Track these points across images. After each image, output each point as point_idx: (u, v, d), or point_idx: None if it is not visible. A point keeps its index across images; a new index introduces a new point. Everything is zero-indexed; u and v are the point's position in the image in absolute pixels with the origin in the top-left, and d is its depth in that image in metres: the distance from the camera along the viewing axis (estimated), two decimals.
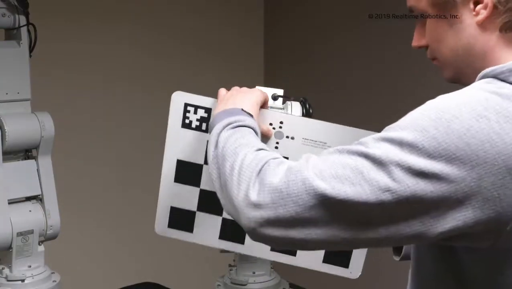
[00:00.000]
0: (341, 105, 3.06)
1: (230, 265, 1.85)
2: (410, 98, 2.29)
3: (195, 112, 1.42)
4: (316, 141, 1.42)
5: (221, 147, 1.08)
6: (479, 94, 0.94)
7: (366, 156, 0.92)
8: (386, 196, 0.89)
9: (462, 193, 0.89)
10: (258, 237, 0.96)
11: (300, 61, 3.42)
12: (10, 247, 1.81)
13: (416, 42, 1.13)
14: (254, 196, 0.95)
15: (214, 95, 1.43)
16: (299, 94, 1.56)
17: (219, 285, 1.83)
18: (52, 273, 1.89)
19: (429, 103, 0.95)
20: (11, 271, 1.83)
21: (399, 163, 0.90)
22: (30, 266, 1.85)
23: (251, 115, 1.21)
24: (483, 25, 1.01)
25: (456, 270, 1.01)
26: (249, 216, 0.95)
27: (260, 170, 0.98)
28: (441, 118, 0.91)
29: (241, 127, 1.13)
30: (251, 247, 1.54)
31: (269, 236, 0.95)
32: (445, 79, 1.12)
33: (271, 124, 1.41)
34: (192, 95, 1.42)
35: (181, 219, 1.51)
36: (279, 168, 0.97)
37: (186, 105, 1.42)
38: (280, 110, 1.45)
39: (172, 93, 1.43)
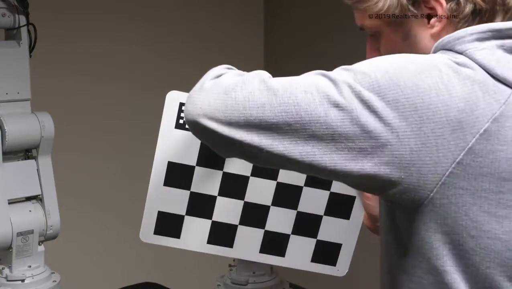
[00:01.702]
0: None
1: (230, 265, 1.85)
2: None
3: None
4: None
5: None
6: (438, 55, 0.98)
7: (324, 75, 0.96)
8: (333, 111, 0.91)
9: (401, 135, 0.91)
10: (199, 128, 0.96)
11: (300, 61, 3.42)
12: (10, 247, 1.81)
13: (370, 53, 1.14)
14: (207, 85, 0.97)
15: None
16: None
17: (219, 285, 1.83)
18: (52, 273, 1.89)
19: (394, 54, 0.98)
20: (11, 271, 1.83)
21: (351, 86, 0.93)
22: (30, 266, 1.84)
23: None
24: (437, 35, 1.03)
25: (389, 214, 1.03)
26: (195, 102, 0.96)
27: (222, 74, 1.01)
28: (397, 61, 0.95)
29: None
30: (240, 251, 1.54)
31: (207, 128, 0.94)
32: None
33: None
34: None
35: (168, 224, 1.50)
36: (239, 73, 1.01)
37: (181, 104, 1.41)
38: None
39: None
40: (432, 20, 1.03)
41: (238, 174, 1.47)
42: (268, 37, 3.66)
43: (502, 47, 0.97)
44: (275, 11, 3.61)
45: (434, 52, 1.02)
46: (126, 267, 3.19)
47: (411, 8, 1.03)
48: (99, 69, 3.10)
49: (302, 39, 3.44)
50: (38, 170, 1.88)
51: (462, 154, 0.92)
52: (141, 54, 3.21)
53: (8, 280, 1.81)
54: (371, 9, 1.06)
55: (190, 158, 1.45)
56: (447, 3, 1.01)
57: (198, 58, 3.39)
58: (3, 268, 1.84)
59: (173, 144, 1.44)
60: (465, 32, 0.99)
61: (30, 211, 1.85)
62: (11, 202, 1.83)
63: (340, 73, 0.96)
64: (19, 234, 1.81)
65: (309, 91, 0.93)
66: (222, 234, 1.52)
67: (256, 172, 1.48)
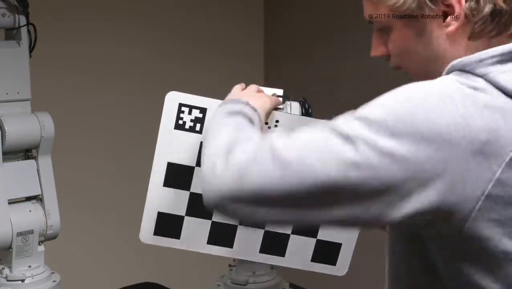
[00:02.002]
0: (341, 105, 3.05)
1: (230, 265, 1.85)
2: None
3: (190, 113, 1.41)
4: None
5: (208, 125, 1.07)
6: (448, 81, 0.94)
7: (335, 131, 0.91)
8: (353, 172, 0.88)
9: (427, 175, 0.88)
10: (223, 211, 0.94)
11: (300, 61, 3.42)
12: (10, 247, 1.81)
13: (376, 51, 1.11)
14: (219, 170, 0.93)
15: (214, 95, 1.43)
16: (298, 94, 1.56)
17: (219, 285, 1.83)
18: (52, 273, 1.89)
19: (399, 88, 0.94)
20: (11, 271, 1.83)
21: (367, 140, 0.89)
22: (30, 266, 1.85)
23: (255, 110, 1.18)
24: (452, 35, 1.00)
25: (422, 254, 1.00)
26: (213, 189, 0.93)
27: (232, 146, 0.96)
28: (410, 99, 0.91)
29: (239, 115, 1.11)
30: (240, 251, 1.54)
31: (231, 211, 0.93)
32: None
33: (266, 123, 1.41)
34: (187, 95, 1.41)
35: (168, 225, 1.50)
36: (249, 144, 0.96)
37: (180, 105, 1.41)
38: (279, 110, 1.45)
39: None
40: (449, 19, 0.99)
41: None
42: (268, 37, 3.66)
43: None
44: (275, 11, 3.61)
45: (450, 71, 0.98)
46: (126, 267, 3.19)
47: (429, 4, 0.98)
48: (99, 69, 3.10)
49: (302, 39, 3.43)
50: (38, 170, 1.88)
51: (490, 186, 0.90)
52: (141, 54, 3.21)
53: (8, 280, 1.81)
54: (386, 1, 1.01)
55: (189, 158, 1.45)
56: (466, 2, 0.97)
57: (198, 58, 3.39)
58: (3, 268, 1.84)
59: (172, 145, 1.44)
60: (486, 54, 0.95)
61: (30, 211, 1.85)
62: (11, 202, 1.83)
63: (352, 125, 0.91)
64: (19, 234, 1.81)
65: (323, 157, 0.89)
66: (222, 235, 1.52)
67: None
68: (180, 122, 1.42)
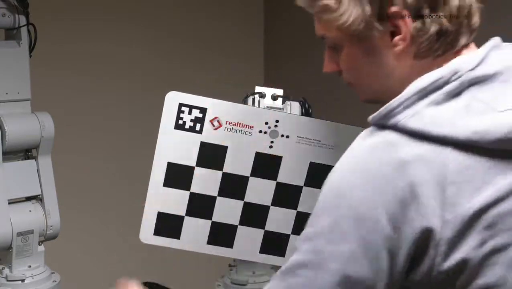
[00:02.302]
0: (340, 105, 3.06)
1: (230, 265, 1.85)
2: None
3: (190, 113, 1.42)
4: (310, 139, 1.43)
5: None
6: (364, 153, 0.98)
7: (301, 266, 0.97)
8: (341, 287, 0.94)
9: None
10: None
11: (300, 61, 3.42)
12: (10, 247, 1.81)
13: (328, 68, 1.13)
14: None
15: (214, 95, 1.43)
16: (298, 94, 1.56)
17: (219, 285, 1.83)
18: (52, 273, 1.89)
19: (325, 187, 0.99)
20: (11, 271, 1.83)
21: (325, 257, 0.95)
22: (30, 266, 1.85)
23: None
24: (399, 54, 1.01)
25: None
26: None
27: None
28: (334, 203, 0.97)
29: None
30: (240, 251, 1.54)
31: None
32: (361, 100, 1.12)
33: (266, 123, 1.41)
34: (187, 95, 1.41)
35: (168, 225, 1.50)
36: None
37: (180, 105, 1.41)
38: (279, 110, 1.46)
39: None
40: (396, 39, 1.00)
41: (238, 174, 1.47)
42: (268, 37, 3.66)
43: (431, 104, 0.96)
44: (275, 11, 3.61)
45: (372, 123, 1.01)
46: (126, 267, 3.19)
47: (376, 24, 1.00)
48: (99, 69, 3.10)
49: (302, 39, 3.43)
50: (38, 170, 1.88)
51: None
52: (141, 54, 3.21)
53: (8, 280, 1.81)
54: (335, 21, 1.03)
55: (189, 158, 1.45)
56: (412, 22, 0.98)
57: (198, 58, 3.39)
58: (3, 268, 1.84)
59: (172, 145, 1.44)
60: (391, 105, 0.98)
61: (30, 211, 1.85)
62: (11, 202, 1.83)
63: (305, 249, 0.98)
64: (19, 234, 1.81)
65: None
66: (222, 235, 1.52)
67: (256, 172, 1.48)
68: (180, 122, 1.42)
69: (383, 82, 1.05)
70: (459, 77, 0.97)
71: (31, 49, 1.87)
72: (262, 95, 1.57)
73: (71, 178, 2.87)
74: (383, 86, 1.05)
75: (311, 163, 1.45)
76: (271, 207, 1.51)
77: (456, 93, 0.97)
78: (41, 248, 1.88)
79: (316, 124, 1.42)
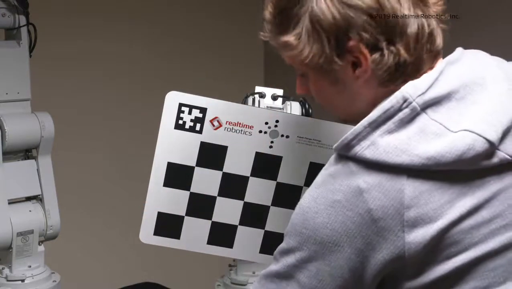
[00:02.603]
0: None
1: (230, 265, 1.85)
2: None
3: (190, 113, 1.41)
4: (310, 139, 1.43)
5: None
6: (328, 185, 1.02)
7: (276, 275, 1.06)
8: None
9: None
10: None
11: None
12: (10, 247, 1.81)
13: (300, 91, 1.15)
14: None
15: (214, 95, 1.43)
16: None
17: (219, 285, 1.83)
18: (52, 273, 1.89)
19: (296, 208, 1.07)
20: (11, 271, 1.83)
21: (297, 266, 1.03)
22: (30, 266, 1.85)
23: None
24: (363, 84, 1.03)
25: None
26: None
27: None
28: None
29: None
30: (240, 251, 1.54)
31: None
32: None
33: (266, 123, 1.41)
34: (187, 95, 1.41)
35: (168, 225, 1.50)
36: None
37: (180, 105, 1.41)
38: (279, 110, 1.46)
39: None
40: (357, 71, 1.02)
41: (238, 174, 1.47)
42: None
43: (384, 133, 0.99)
44: None
45: (336, 150, 1.04)
46: (126, 267, 3.19)
47: (336, 59, 1.01)
48: (99, 69, 3.10)
49: None
50: (38, 170, 1.88)
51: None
52: (141, 54, 3.21)
53: (8, 280, 1.81)
54: (296, 57, 1.05)
55: (189, 158, 1.45)
56: (371, 55, 0.99)
57: (198, 58, 3.39)
58: (3, 268, 1.84)
59: (172, 145, 1.44)
60: (347, 138, 1.01)
61: (30, 211, 1.85)
62: (11, 202, 1.83)
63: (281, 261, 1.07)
64: (19, 234, 1.81)
65: None
66: (222, 235, 1.52)
67: (256, 172, 1.48)
68: (180, 122, 1.42)
69: (352, 107, 1.08)
70: (410, 104, 0.98)
71: (31, 49, 1.87)
72: (262, 95, 1.57)
73: (71, 178, 2.86)
74: (353, 109, 1.08)
75: (311, 163, 1.45)
76: (271, 207, 1.51)
77: (409, 120, 0.99)
78: (41, 248, 1.88)
79: (316, 124, 1.42)
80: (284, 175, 1.51)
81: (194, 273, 3.19)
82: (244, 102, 1.54)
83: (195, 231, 1.51)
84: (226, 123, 1.42)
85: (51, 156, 1.90)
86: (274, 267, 1.07)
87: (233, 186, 1.48)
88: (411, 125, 0.99)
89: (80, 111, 3.04)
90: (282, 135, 1.42)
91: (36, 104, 1.90)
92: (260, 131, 1.43)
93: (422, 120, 0.98)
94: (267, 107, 1.57)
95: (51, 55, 2.81)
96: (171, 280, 2.74)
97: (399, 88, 1.01)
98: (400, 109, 0.99)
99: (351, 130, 1.01)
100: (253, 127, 1.42)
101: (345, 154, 1.02)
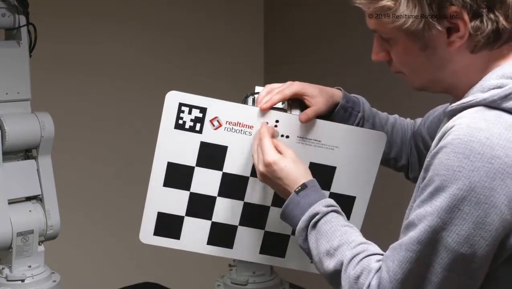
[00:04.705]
0: None
1: (230, 265, 1.85)
2: (410, 98, 2.29)
3: (190, 112, 1.41)
4: (310, 139, 1.43)
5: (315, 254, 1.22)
6: (494, 127, 0.99)
7: (417, 242, 1.01)
8: (465, 249, 0.97)
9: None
10: None
11: (300, 61, 3.42)
12: (10, 247, 1.81)
13: (377, 57, 1.15)
14: None
15: (214, 94, 1.43)
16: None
17: (219, 285, 1.82)
18: (52, 273, 1.89)
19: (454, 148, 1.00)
20: (11, 271, 1.83)
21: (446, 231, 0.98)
22: (30, 266, 1.84)
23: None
24: (456, 50, 1.05)
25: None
26: None
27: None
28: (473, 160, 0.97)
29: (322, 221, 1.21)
30: (240, 251, 1.54)
31: None
32: (411, 88, 1.15)
33: (266, 123, 1.41)
34: (187, 95, 1.41)
35: (168, 225, 1.50)
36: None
37: (180, 105, 1.41)
38: (279, 110, 1.45)
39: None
40: (453, 36, 1.04)
41: (238, 174, 1.47)
42: (268, 37, 3.66)
43: None
44: (275, 11, 3.61)
45: (471, 106, 1.02)
46: (126, 267, 3.19)
47: (436, 24, 1.02)
48: (99, 69, 3.10)
49: (302, 39, 3.43)
50: (38, 170, 1.88)
51: None
52: (141, 54, 3.21)
53: (8, 280, 1.81)
54: (393, 22, 1.05)
55: (189, 158, 1.45)
56: (470, 21, 1.02)
57: (198, 58, 3.39)
58: (3, 268, 1.84)
59: (172, 145, 1.43)
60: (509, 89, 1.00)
61: (30, 211, 1.85)
62: (11, 202, 1.83)
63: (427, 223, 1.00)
64: (19, 234, 1.81)
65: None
66: (222, 235, 1.51)
67: (256, 173, 1.48)
68: (180, 121, 1.42)
69: (436, 74, 1.08)
70: None
71: (31, 49, 1.87)
72: None
73: (71, 178, 2.87)
74: (436, 77, 1.09)
75: (311, 163, 1.45)
76: (271, 207, 1.51)
77: None
78: (41, 248, 1.88)
79: (316, 124, 1.42)
80: None
81: (194, 273, 3.19)
82: (244, 102, 1.53)
83: (195, 231, 1.50)
84: (226, 123, 1.42)
85: (51, 156, 1.90)
86: (414, 234, 1.02)
87: (233, 186, 1.48)
88: None
89: (80, 111, 3.04)
90: (282, 135, 1.41)
91: (36, 104, 1.90)
92: None
93: None
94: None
95: (51, 55, 2.81)
96: (171, 280, 2.74)
97: (493, 55, 1.04)
98: None
99: (499, 89, 1.00)
100: (253, 127, 1.41)
101: (498, 107, 1.00)
